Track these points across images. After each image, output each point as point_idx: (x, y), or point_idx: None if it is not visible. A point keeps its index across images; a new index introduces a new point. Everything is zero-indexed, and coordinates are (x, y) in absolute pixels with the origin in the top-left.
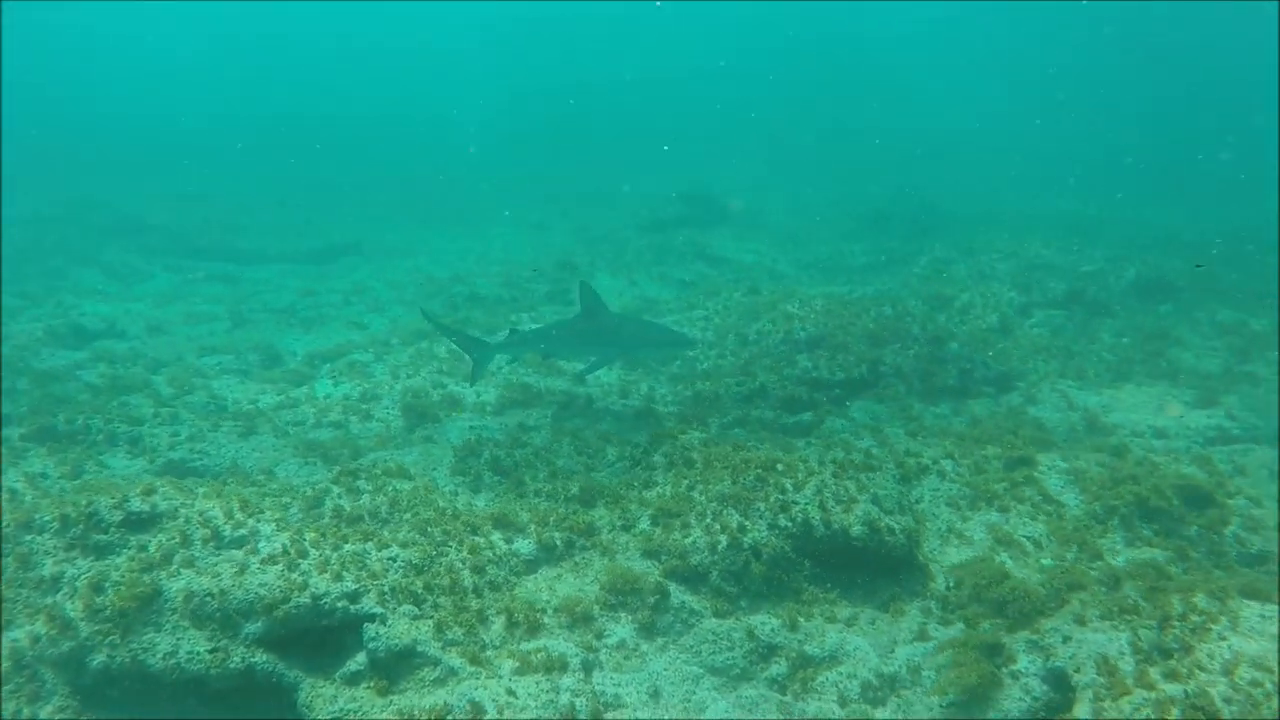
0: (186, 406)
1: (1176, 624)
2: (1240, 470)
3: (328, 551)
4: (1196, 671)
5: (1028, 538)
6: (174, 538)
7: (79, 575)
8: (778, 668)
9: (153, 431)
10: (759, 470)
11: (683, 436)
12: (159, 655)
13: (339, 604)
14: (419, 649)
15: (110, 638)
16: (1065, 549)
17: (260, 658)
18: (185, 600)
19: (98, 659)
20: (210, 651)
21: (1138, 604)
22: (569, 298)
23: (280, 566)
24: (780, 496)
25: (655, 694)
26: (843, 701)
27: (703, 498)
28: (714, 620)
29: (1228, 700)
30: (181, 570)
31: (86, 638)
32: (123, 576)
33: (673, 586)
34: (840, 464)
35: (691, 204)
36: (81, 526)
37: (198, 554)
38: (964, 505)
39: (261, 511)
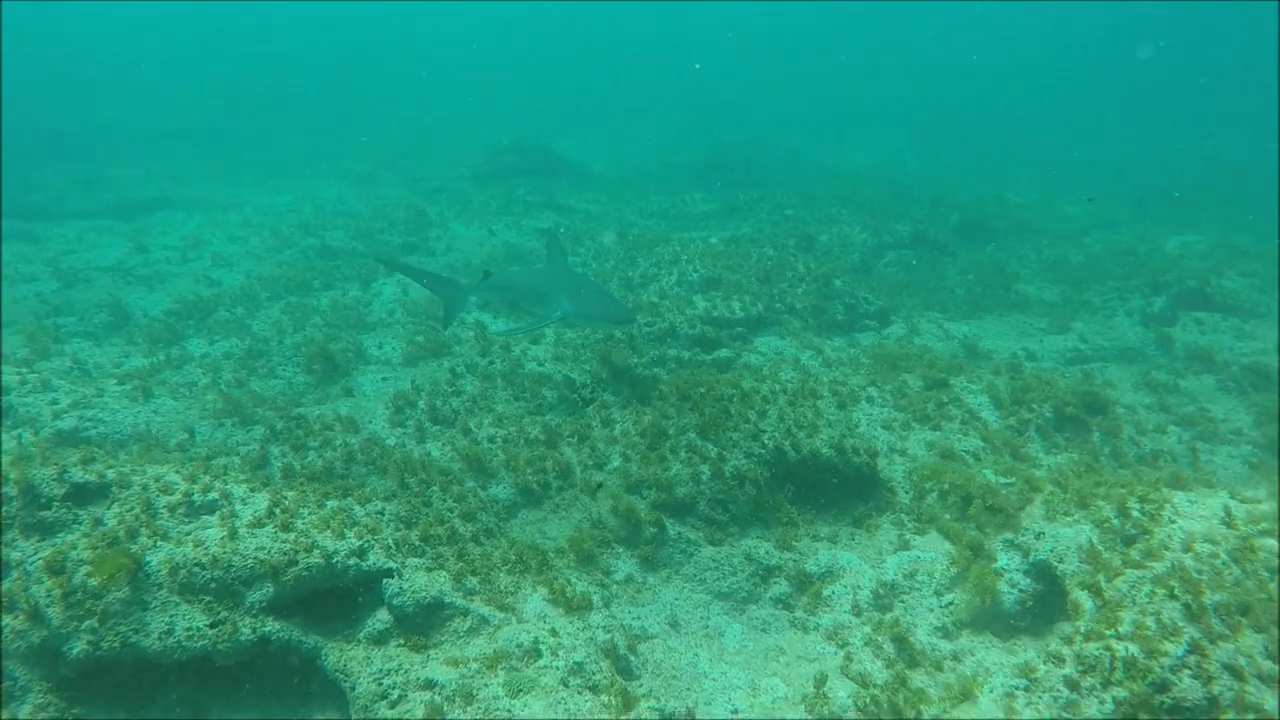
0: (52, 373)
1: (1134, 512)
2: (1109, 384)
3: (314, 509)
4: (1165, 551)
5: (967, 451)
6: (133, 508)
7: (28, 558)
8: (779, 587)
9: (25, 400)
10: (722, 402)
11: (630, 375)
12: (154, 635)
13: (350, 561)
14: (446, 600)
15: (88, 622)
16: (1000, 458)
17: (273, 626)
18: (170, 573)
19: (78, 647)
20: (211, 625)
21: (1091, 499)
22: (429, 247)
23: (272, 528)
24: (748, 425)
25: (674, 623)
26: (856, 611)
27: (673, 431)
28: (711, 548)
29: (1199, 571)
30: (159, 542)
31: (59, 625)
32: (86, 554)
33: (664, 519)
34: (791, 393)
35: (525, 155)
36: (16, 504)
37: (167, 523)
38: (898, 427)
39: (226, 473)
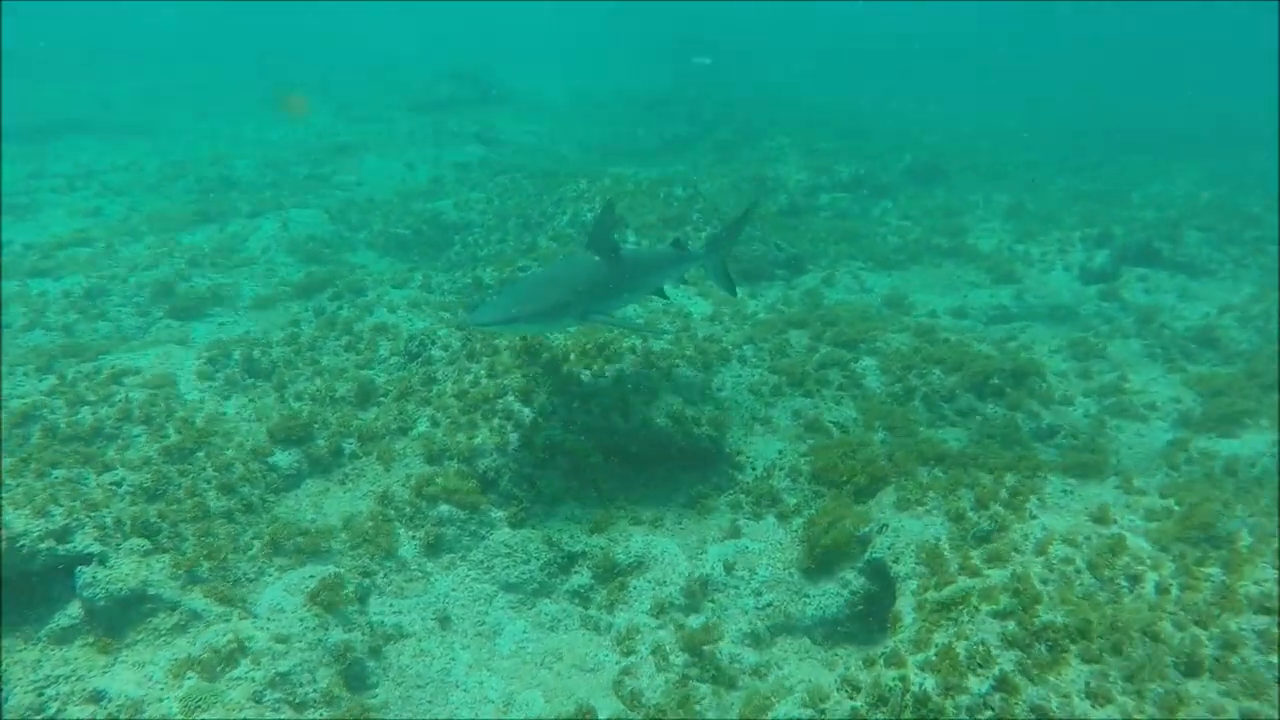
0: None
1: (991, 504)
2: (1025, 347)
3: (30, 481)
4: (1013, 554)
5: (834, 422)
6: None
7: None
8: (580, 578)
9: None
10: (555, 360)
11: (453, 330)
12: None
13: (42, 545)
14: (150, 592)
15: None
16: (872, 431)
17: None
18: None
19: None
20: None
21: (953, 485)
22: (336, 180)
23: None
24: (577, 387)
25: (444, 620)
26: (658, 610)
27: (492, 392)
28: (508, 530)
29: (1044, 581)
30: None
31: None
32: None
33: (460, 495)
34: (641, 353)
35: (466, 83)
36: None
37: None
38: (767, 391)
39: None
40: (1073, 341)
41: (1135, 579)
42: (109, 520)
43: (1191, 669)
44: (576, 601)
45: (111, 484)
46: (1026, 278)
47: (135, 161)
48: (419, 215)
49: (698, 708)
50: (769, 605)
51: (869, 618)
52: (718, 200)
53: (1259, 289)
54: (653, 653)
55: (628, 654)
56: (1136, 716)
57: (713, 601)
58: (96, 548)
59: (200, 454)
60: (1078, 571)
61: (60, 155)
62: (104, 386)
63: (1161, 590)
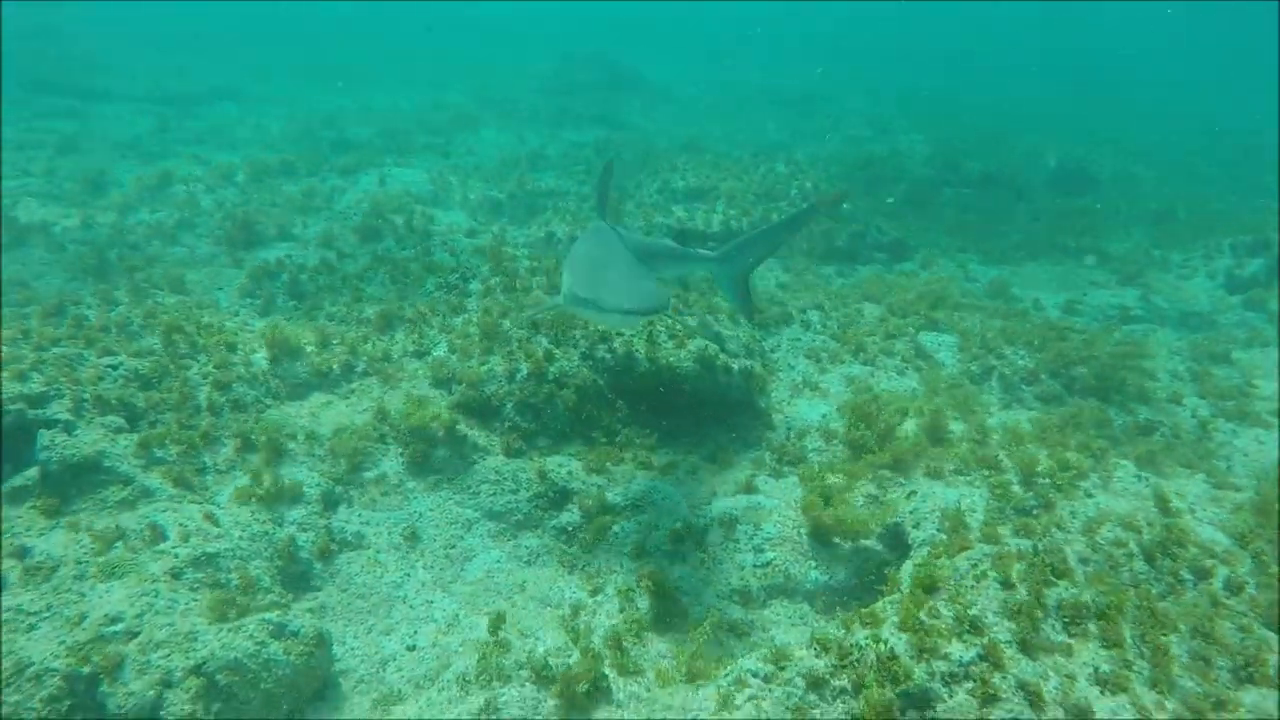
0: None
1: (1041, 479)
2: (1135, 343)
3: (25, 350)
4: (1052, 529)
5: (889, 391)
6: None
7: None
8: (570, 515)
9: None
10: None
11: (503, 265)
12: None
13: (12, 406)
14: (106, 464)
15: None
16: (929, 403)
17: None
18: None
19: None
20: None
21: (1000, 459)
22: (447, 149)
23: None
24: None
25: (412, 537)
26: (636, 554)
27: (512, 325)
28: (501, 458)
29: (1084, 560)
30: None
31: None
32: None
33: (460, 418)
34: (685, 301)
35: (603, 70)
36: None
37: None
38: (825, 358)
39: None
40: (1196, 344)
41: (1202, 573)
42: (88, 395)
43: (1247, 675)
44: (561, 538)
45: (108, 365)
46: (1160, 282)
47: (264, 124)
48: (517, 181)
49: (636, 654)
50: (768, 564)
51: (881, 589)
52: (824, 182)
53: None
54: (618, 593)
55: (595, 591)
56: (1155, 715)
57: (704, 552)
58: (66, 416)
59: (208, 353)
60: (1130, 556)
61: (203, 116)
62: (141, 291)
63: (1232, 588)
